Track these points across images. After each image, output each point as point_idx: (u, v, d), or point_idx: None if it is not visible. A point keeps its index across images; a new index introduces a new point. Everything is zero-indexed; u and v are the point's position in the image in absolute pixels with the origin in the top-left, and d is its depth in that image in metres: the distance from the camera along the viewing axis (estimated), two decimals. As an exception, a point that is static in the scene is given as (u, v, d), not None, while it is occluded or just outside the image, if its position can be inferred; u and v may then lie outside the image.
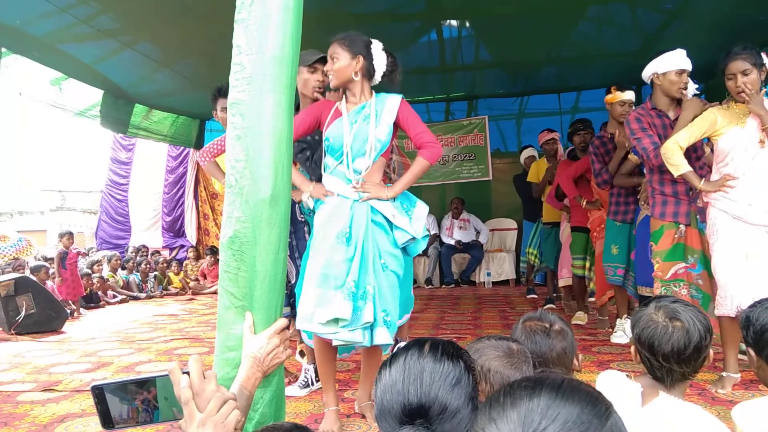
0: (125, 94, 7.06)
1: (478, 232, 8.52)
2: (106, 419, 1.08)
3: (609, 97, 4.29)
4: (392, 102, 2.64)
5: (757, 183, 2.92)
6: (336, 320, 2.38)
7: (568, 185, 4.90)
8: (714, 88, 6.87)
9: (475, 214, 8.59)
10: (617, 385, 1.48)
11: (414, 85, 7.55)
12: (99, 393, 1.08)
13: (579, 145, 4.99)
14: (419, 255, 8.38)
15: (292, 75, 1.51)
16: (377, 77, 2.65)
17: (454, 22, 5.65)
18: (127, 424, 1.10)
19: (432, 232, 8.59)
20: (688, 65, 3.31)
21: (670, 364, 1.44)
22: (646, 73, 3.44)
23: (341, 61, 2.58)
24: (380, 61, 2.64)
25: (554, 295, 6.14)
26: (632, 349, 1.58)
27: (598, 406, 0.68)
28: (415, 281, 8.54)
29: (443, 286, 8.47)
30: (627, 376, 1.51)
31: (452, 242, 8.43)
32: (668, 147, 3.08)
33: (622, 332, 4.16)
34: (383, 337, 2.45)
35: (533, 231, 6.34)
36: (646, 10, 5.21)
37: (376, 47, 2.65)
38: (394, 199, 2.64)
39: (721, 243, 2.97)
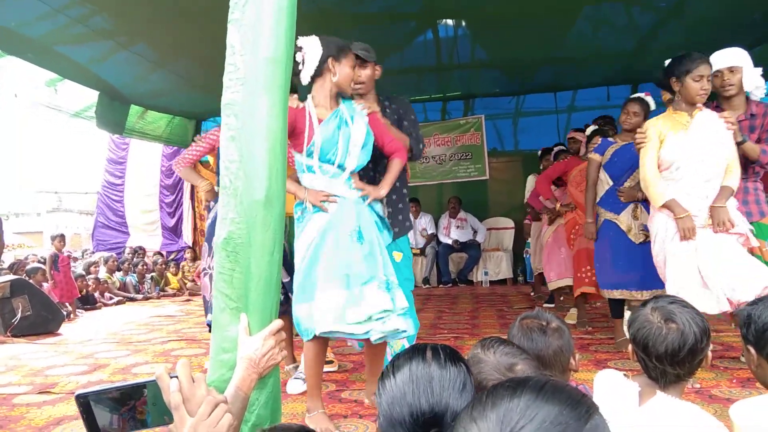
0: (121, 95, 7.04)
1: (475, 232, 8.52)
2: (93, 430, 1.02)
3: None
4: (357, 106, 2.70)
5: (704, 188, 2.98)
6: (369, 318, 2.41)
7: (543, 186, 4.86)
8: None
9: (472, 214, 8.59)
10: (614, 385, 1.48)
11: (410, 85, 7.55)
12: (84, 402, 1.01)
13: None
14: (417, 254, 8.47)
15: (286, 75, 1.50)
16: (305, 77, 2.63)
17: (449, 22, 5.65)
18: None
19: (429, 232, 8.59)
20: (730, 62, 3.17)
21: (664, 366, 1.44)
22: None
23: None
24: (312, 57, 2.59)
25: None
26: (629, 348, 1.58)
27: (579, 407, 0.68)
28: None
29: (441, 285, 8.47)
30: (624, 375, 1.51)
31: (449, 241, 8.44)
32: (645, 179, 3.12)
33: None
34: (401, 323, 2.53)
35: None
36: (641, 9, 5.22)
37: (309, 43, 2.60)
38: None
39: (671, 251, 3.04)
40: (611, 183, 3.94)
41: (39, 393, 3.35)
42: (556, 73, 7.10)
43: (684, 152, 2.98)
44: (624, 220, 3.82)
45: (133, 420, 1.03)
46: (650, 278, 3.52)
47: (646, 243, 3.58)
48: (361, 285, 2.43)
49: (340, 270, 2.46)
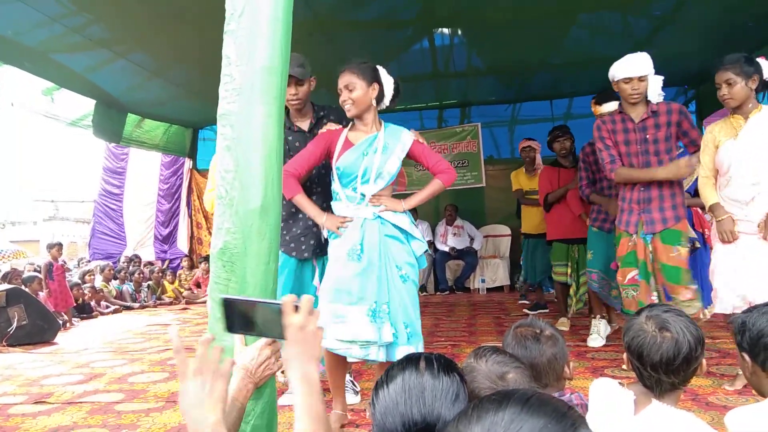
0: (118, 104, 7.05)
1: (472, 239, 8.52)
2: (230, 325, 1.29)
3: (593, 110, 4.37)
4: (406, 137, 2.70)
5: (753, 193, 2.95)
6: (352, 341, 2.43)
7: (574, 201, 4.74)
8: (705, 93, 6.93)
9: (468, 221, 8.60)
10: (610, 393, 1.47)
11: (407, 93, 7.50)
12: (227, 304, 1.27)
13: (560, 152, 4.94)
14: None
15: (281, 85, 1.51)
16: (386, 102, 2.70)
17: (446, 30, 5.68)
18: (245, 331, 1.33)
19: (426, 239, 8.58)
20: (636, 71, 3.28)
21: (659, 374, 1.44)
22: (609, 75, 3.46)
23: (358, 90, 2.58)
24: (389, 86, 2.68)
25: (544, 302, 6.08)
26: (624, 356, 1.58)
27: (564, 420, 0.68)
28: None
29: (438, 292, 8.46)
30: (620, 383, 1.51)
31: (446, 249, 8.44)
32: (701, 184, 3.17)
33: (597, 334, 4.26)
34: (384, 355, 2.51)
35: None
36: (636, 17, 5.25)
37: (384, 73, 2.68)
38: (405, 212, 2.69)
39: (718, 251, 3.10)
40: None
41: (34, 403, 3.33)
42: (552, 80, 7.13)
43: (734, 157, 2.99)
44: None
45: (255, 327, 1.27)
46: None
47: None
48: (347, 303, 2.44)
49: (330, 283, 2.51)
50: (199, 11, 4.38)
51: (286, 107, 2.67)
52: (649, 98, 3.33)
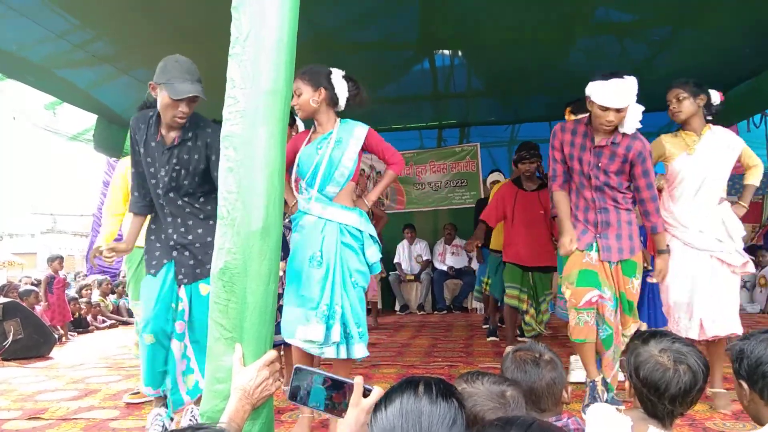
0: (119, 119, 7.08)
1: (470, 258, 8.52)
2: (293, 395, 1.38)
3: (566, 117, 4.19)
4: (360, 131, 2.86)
5: (704, 209, 3.17)
6: (312, 342, 2.66)
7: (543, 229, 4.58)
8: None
9: (467, 240, 8.59)
10: (607, 419, 1.48)
11: (407, 112, 7.63)
12: (298, 371, 1.38)
13: (524, 173, 4.67)
14: (412, 280, 8.46)
15: (285, 108, 1.53)
16: (341, 104, 2.84)
17: (446, 52, 5.74)
18: (305, 401, 1.38)
19: (424, 258, 8.60)
20: (616, 103, 2.85)
21: (674, 406, 1.46)
22: (587, 88, 2.99)
23: (304, 95, 2.76)
24: (342, 88, 2.82)
25: (499, 325, 5.79)
26: (626, 384, 1.59)
27: None
28: (407, 307, 8.53)
29: (435, 312, 8.44)
30: (617, 409, 1.51)
31: (445, 268, 8.43)
32: None
33: (579, 368, 3.71)
34: (361, 351, 2.76)
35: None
36: (634, 41, 5.31)
37: (336, 76, 2.82)
38: (360, 213, 2.87)
39: (672, 269, 3.18)
40: None
41: (29, 419, 3.31)
42: (550, 102, 7.15)
43: (688, 171, 3.19)
44: None
45: (322, 402, 1.36)
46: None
47: None
48: (309, 308, 2.66)
49: (298, 290, 2.71)
50: (204, 31, 4.43)
51: (161, 116, 2.67)
52: (620, 129, 2.95)
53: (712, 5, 4.46)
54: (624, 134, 2.98)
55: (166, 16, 4.47)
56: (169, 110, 2.59)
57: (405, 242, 8.63)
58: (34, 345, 5.54)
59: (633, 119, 2.94)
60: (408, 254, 8.66)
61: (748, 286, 7.88)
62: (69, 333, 6.90)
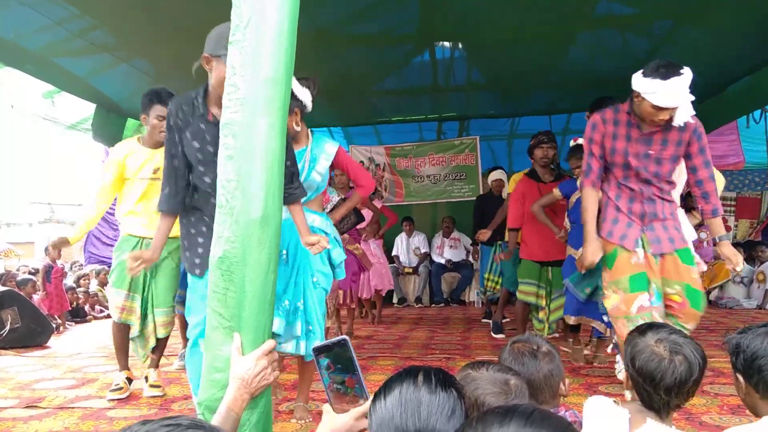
0: (118, 108, 7.05)
1: (468, 252, 8.53)
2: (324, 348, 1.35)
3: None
4: (330, 148, 3.00)
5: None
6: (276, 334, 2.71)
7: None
8: (705, 112, 6.98)
9: (465, 234, 8.61)
10: (604, 411, 1.48)
11: (407, 105, 7.60)
12: (344, 343, 1.35)
13: (540, 160, 4.63)
14: (410, 273, 8.46)
15: (285, 96, 1.52)
16: (309, 108, 2.90)
17: (446, 44, 5.71)
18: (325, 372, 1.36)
19: (423, 251, 8.60)
20: (673, 103, 2.65)
21: (670, 397, 1.46)
22: (633, 81, 2.82)
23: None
24: (305, 95, 2.85)
25: (504, 320, 5.79)
26: (623, 375, 1.59)
27: None
28: (404, 299, 8.55)
29: (433, 305, 8.45)
30: (614, 401, 1.51)
31: (442, 261, 8.44)
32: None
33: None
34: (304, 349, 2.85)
35: (492, 255, 6.09)
36: (636, 35, 5.29)
37: (297, 89, 2.80)
38: (325, 217, 3.06)
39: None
40: (572, 224, 4.19)
41: (26, 407, 3.31)
42: (551, 96, 7.16)
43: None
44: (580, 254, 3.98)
45: (335, 382, 1.34)
46: (585, 309, 3.85)
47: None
48: (277, 302, 2.71)
49: None
50: (204, 21, 4.38)
51: (211, 93, 2.43)
52: (675, 122, 2.76)
53: (710, 1, 4.44)
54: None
55: (165, 9, 4.44)
56: None
57: (403, 235, 8.64)
58: (32, 334, 5.54)
59: (685, 111, 2.74)
60: (406, 247, 8.67)
61: (746, 282, 7.90)
62: (67, 322, 6.90)
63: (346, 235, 5.43)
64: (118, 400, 3.40)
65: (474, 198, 8.55)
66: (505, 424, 0.71)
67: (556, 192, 4.20)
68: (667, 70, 2.61)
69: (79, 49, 5.21)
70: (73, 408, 3.28)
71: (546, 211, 4.45)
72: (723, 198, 3.11)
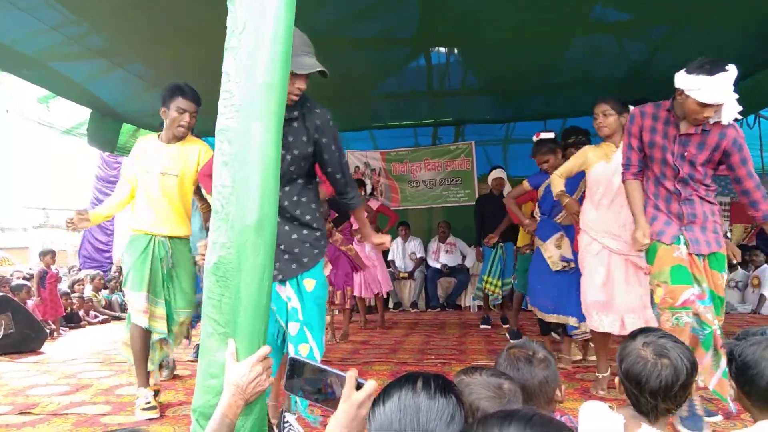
0: (114, 113, 7.04)
1: (464, 257, 8.53)
2: (289, 385, 1.39)
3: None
4: None
5: (621, 215, 3.32)
6: None
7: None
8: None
9: (461, 239, 8.61)
10: (599, 416, 1.48)
11: (403, 109, 7.62)
12: (293, 365, 1.39)
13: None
14: (405, 278, 8.46)
15: (280, 102, 1.52)
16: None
17: (442, 49, 5.73)
18: (303, 394, 1.39)
19: (418, 256, 8.60)
20: (719, 100, 2.64)
21: (657, 401, 1.46)
22: (676, 79, 2.76)
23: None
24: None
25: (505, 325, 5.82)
26: (616, 380, 1.59)
27: None
28: (400, 304, 8.54)
29: (429, 309, 8.44)
30: (609, 407, 1.51)
31: (438, 266, 8.44)
32: (551, 179, 3.67)
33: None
34: None
35: (492, 258, 6.05)
36: (632, 40, 5.32)
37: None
38: None
39: (589, 267, 3.44)
40: (540, 215, 4.35)
41: (19, 413, 3.29)
42: (546, 101, 7.19)
43: (606, 178, 3.40)
44: (548, 247, 4.12)
45: (315, 393, 1.37)
46: (561, 305, 3.94)
47: (563, 272, 3.97)
48: None
49: None
50: (200, 25, 4.41)
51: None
52: (723, 121, 2.75)
53: (708, 5, 4.47)
54: (716, 122, 2.75)
55: (163, 13, 4.44)
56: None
57: (399, 240, 8.64)
58: (26, 340, 5.51)
59: (731, 108, 2.70)
60: (402, 252, 8.67)
61: (740, 286, 7.92)
62: (61, 328, 6.87)
63: (339, 236, 5.43)
64: (152, 419, 3.13)
65: (470, 203, 8.59)
66: (505, 427, 0.71)
67: (525, 184, 4.42)
68: (713, 66, 2.61)
69: (75, 54, 5.21)
70: (66, 414, 3.26)
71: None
72: (718, 203, 3.08)
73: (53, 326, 6.59)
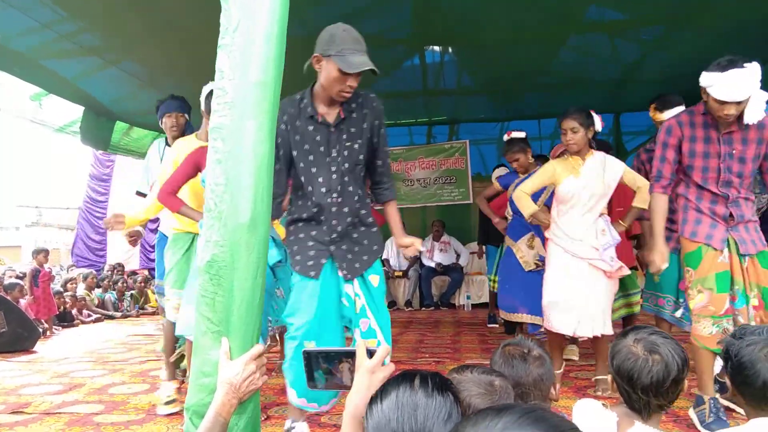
0: (107, 111, 7.01)
1: (458, 255, 8.54)
2: (310, 378, 1.37)
3: (653, 116, 3.88)
4: None
5: (588, 224, 3.38)
6: None
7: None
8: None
9: (455, 237, 8.62)
10: (593, 414, 1.49)
11: (397, 108, 7.61)
12: (307, 357, 1.35)
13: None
14: (399, 277, 8.46)
15: (274, 100, 1.52)
16: None
17: (437, 48, 5.73)
18: (325, 384, 1.38)
19: (412, 255, 8.59)
20: (738, 96, 2.61)
21: (648, 397, 1.46)
22: (702, 78, 2.75)
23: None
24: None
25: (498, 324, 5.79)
26: (609, 378, 1.59)
27: None
28: (394, 303, 8.54)
29: (423, 308, 8.45)
30: (603, 405, 1.52)
31: (432, 265, 8.44)
32: (516, 195, 3.62)
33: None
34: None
35: (497, 257, 5.89)
36: (624, 40, 5.33)
37: (203, 101, 3.00)
38: None
39: (550, 268, 3.47)
40: (512, 215, 4.36)
41: (12, 413, 3.27)
42: (540, 100, 7.20)
43: (575, 192, 3.40)
44: (520, 247, 4.17)
45: (332, 376, 1.36)
46: (528, 305, 3.94)
47: (536, 271, 3.96)
48: None
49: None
50: (193, 23, 4.39)
51: (319, 93, 2.45)
52: (745, 120, 2.70)
53: (701, 6, 4.48)
54: None
55: (156, 11, 4.42)
56: (337, 84, 2.35)
57: (393, 238, 8.63)
58: (18, 339, 5.48)
59: (756, 109, 2.65)
60: (396, 250, 8.66)
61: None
62: (54, 327, 6.84)
63: None
64: (171, 414, 3.15)
65: (464, 202, 8.60)
66: (498, 419, 0.72)
67: (496, 184, 4.54)
68: (727, 63, 2.60)
69: (68, 51, 5.18)
70: (59, 413, 3.25)
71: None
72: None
73: (46, 325, 6.56)
